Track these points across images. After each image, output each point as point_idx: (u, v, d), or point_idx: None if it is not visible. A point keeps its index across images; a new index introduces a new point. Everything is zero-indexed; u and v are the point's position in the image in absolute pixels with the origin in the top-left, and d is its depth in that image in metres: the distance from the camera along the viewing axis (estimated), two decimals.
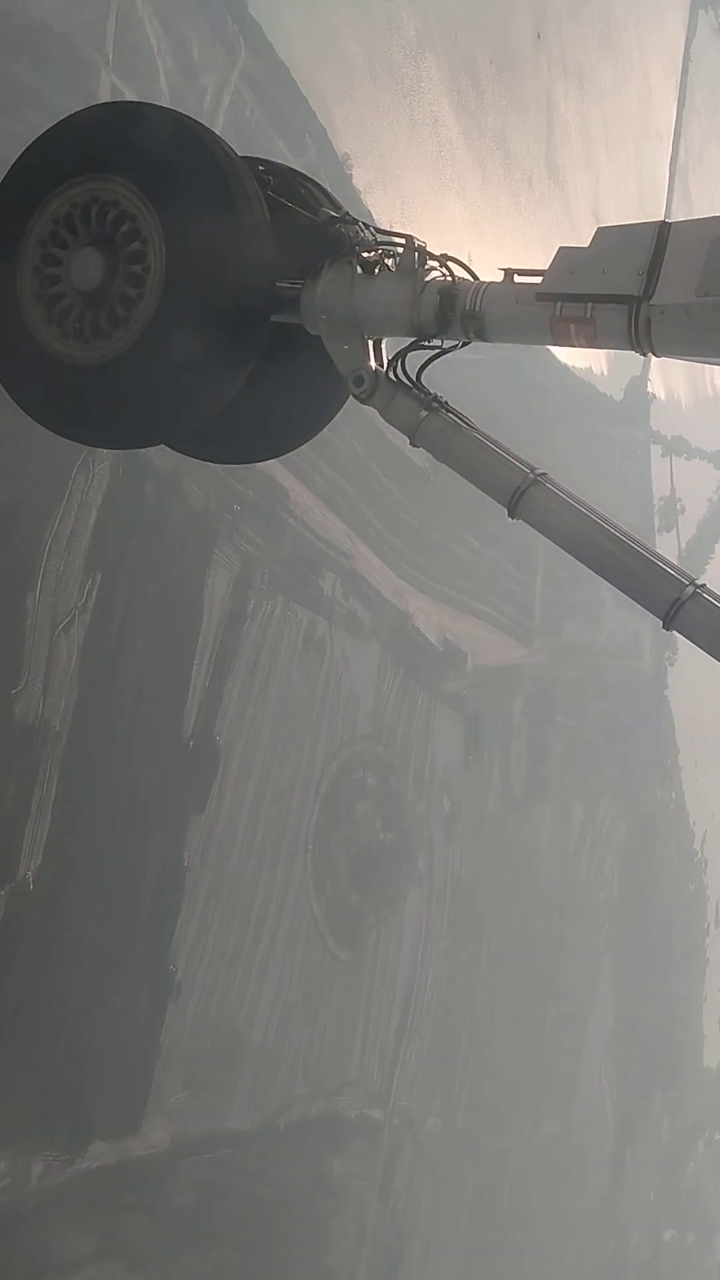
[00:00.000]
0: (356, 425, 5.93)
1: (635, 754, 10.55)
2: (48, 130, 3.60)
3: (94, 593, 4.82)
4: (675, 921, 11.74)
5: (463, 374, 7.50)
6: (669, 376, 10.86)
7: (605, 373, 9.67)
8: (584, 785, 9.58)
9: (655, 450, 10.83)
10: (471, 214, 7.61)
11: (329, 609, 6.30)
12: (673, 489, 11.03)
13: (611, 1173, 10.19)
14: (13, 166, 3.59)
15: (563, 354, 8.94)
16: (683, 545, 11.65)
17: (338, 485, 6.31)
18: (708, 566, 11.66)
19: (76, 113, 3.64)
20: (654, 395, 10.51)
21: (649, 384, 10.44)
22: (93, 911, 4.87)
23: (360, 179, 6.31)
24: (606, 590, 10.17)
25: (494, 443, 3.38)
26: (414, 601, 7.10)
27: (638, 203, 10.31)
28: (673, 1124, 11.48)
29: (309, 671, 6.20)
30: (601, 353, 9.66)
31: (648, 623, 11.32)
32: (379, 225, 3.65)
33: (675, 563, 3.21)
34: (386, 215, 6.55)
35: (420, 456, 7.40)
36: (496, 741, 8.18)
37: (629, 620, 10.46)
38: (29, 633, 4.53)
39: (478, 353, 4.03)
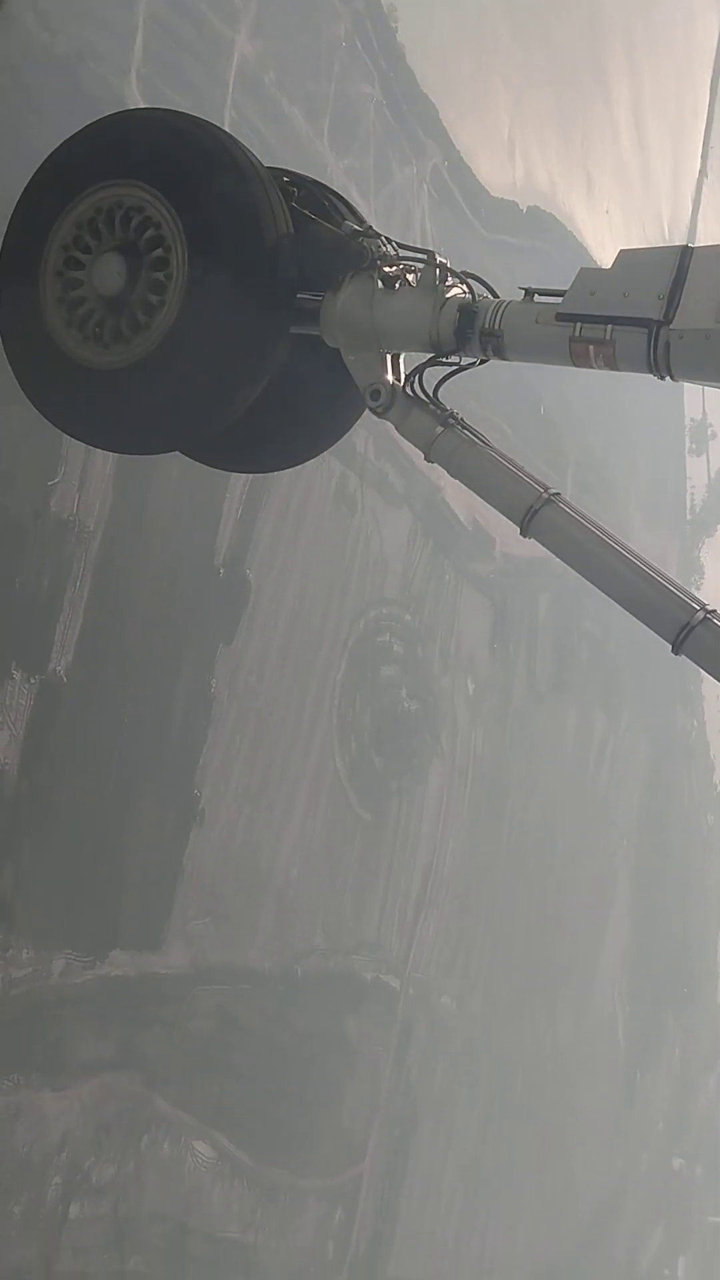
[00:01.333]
0: None
1: (659, 676, 10.51)
2: (74, 135, 3.66)
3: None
4: (693, 853, 11.72)
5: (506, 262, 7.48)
6: None
7: None
8: (608, 696, 9.57)
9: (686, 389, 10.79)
10: (513, 96, 7.60)
11: (360, 465, 6.30)
12: (704, 412, 10.99)
13: (622, 1092, 10.19)
14: (38, 170, 3.65)
15: (601, 257, 8.92)
16: (712, 473, 11.61)
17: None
18: None
19: (103, 118, 3.69)
20: None
21: None
22: (121, 720, 4.90)
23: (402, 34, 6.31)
24: (635, 506, 10.18)
25: (508, 461, 3.41)
26: (444, 475, 7.09)
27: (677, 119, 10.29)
28: (684, 1053, 11.47)
29: (340, 525, 6.20)
30: None
31: (674, 544, 11.30)
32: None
33: (684, 586, 3.25)
34: (425, 78, 6.54)
35: None
36: (522, 635, 8.17)
37: (657, 539, 10.44)
38: None
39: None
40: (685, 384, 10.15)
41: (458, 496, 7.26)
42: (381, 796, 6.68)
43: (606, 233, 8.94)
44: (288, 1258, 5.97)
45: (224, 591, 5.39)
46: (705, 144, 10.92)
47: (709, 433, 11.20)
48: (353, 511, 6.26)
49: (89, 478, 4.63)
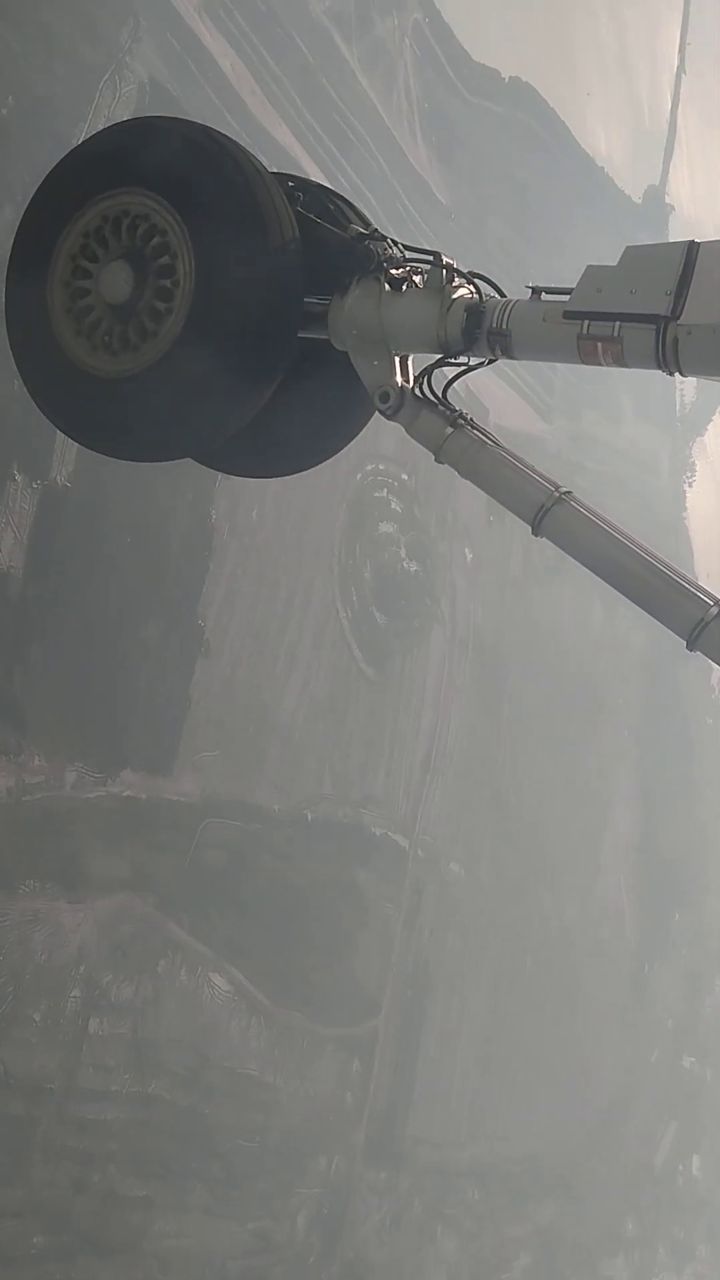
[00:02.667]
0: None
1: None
2: (80, 144, 3.69)
3: None
4: (693, 755, 11.75)
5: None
6: (690, 194, 10.81)
7: (623, 170, 9.62)
8: (604, 585, 9.56)
9: None
10: None
11: None
12: None
13: (631, 983, 10.23)
14: (45, 179, 3.65)
15: (582, 138, 8.91)
16: (698, 382, 11.61)
17: (359, 192, 6.29)
18: None
19: (107, 127, 3.75)
20: (672, 207, 10.46)
21: (667, 195, 10.39)
22: (123, 538, 4.89)
23: None
24: (626, 394, 10.15)
25: (518, 460, 3.38)
26: None
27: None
28: (692, 953, 11.50)
29: None
30: (619, 147, 9.63)
31: (666, 440, 11.28)
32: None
33: (700, 584, 3.22)
34: None
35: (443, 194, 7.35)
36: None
37: (648, 432, 10.45)
38: None
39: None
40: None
41: None
42: (384, 655, 6.69)
43: (587, 114, 8.92)
44: (307, 1102, 5.99)
45: None
46: (682, 40, 10.90)
47: None
48: None
49: None
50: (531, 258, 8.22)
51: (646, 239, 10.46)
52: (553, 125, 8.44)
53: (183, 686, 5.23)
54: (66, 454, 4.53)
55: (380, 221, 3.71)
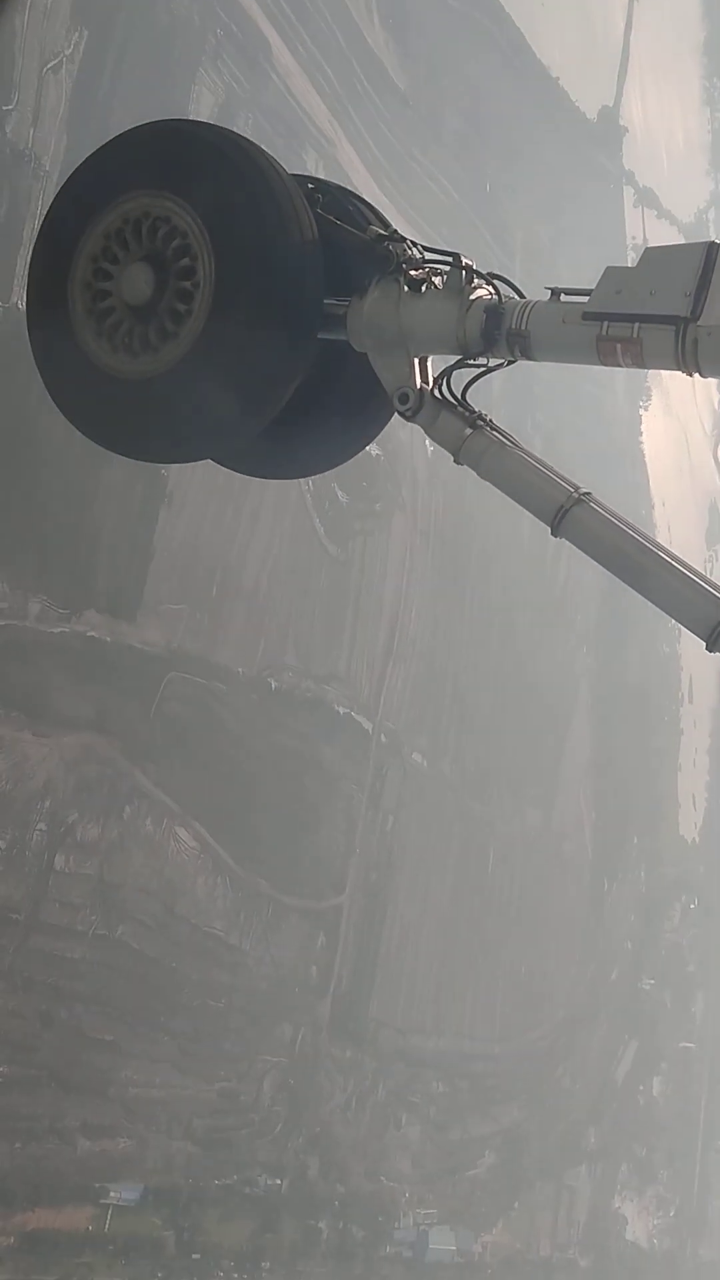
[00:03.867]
0: None
1: (612, 487, 10.54)
2: (100, 147, 3.67)
3: (81, 46, 4.79)
4: (651, 680, 11.83)
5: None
6: (643, 120, 10.87)
7: (578, 86, 9.65)
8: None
9: (628, 193, 10.85)
10: None
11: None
12: (645, 236, 11.04)
13: (591, 897, 10.30)
14: (65, 183, 3.68)
15: (537, 47, 8.94)
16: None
17: (316, 63, 6.29)
18: None
19: (127, 130, 3.69)
20: (626, 129, 10.52)
21: (621, 117, 10.45)
22: None
23: None
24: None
25: (538, 461, 3.40)
26: (396, 222, 7.09)
27: None
28: (650, 876, 11.60)
29: None
30: (573, 62, 9.66)
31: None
32: None
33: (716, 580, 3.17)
34: None
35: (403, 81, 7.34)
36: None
37: None
38: (19, 54, 4.50)
39: None
40: (625, 206, 10.04)
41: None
42: (346, 534, 6.69)
43: (540, 24, 8.94)
44: (272, 968, 5.99)
45: None
46: None
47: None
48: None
49: (43, 114, 4.58)
50: (488, 159, 8.24)
51: (603, 159, 10.54)
52: (508, 30, 8.46)
53: (146, 534, 5.20)
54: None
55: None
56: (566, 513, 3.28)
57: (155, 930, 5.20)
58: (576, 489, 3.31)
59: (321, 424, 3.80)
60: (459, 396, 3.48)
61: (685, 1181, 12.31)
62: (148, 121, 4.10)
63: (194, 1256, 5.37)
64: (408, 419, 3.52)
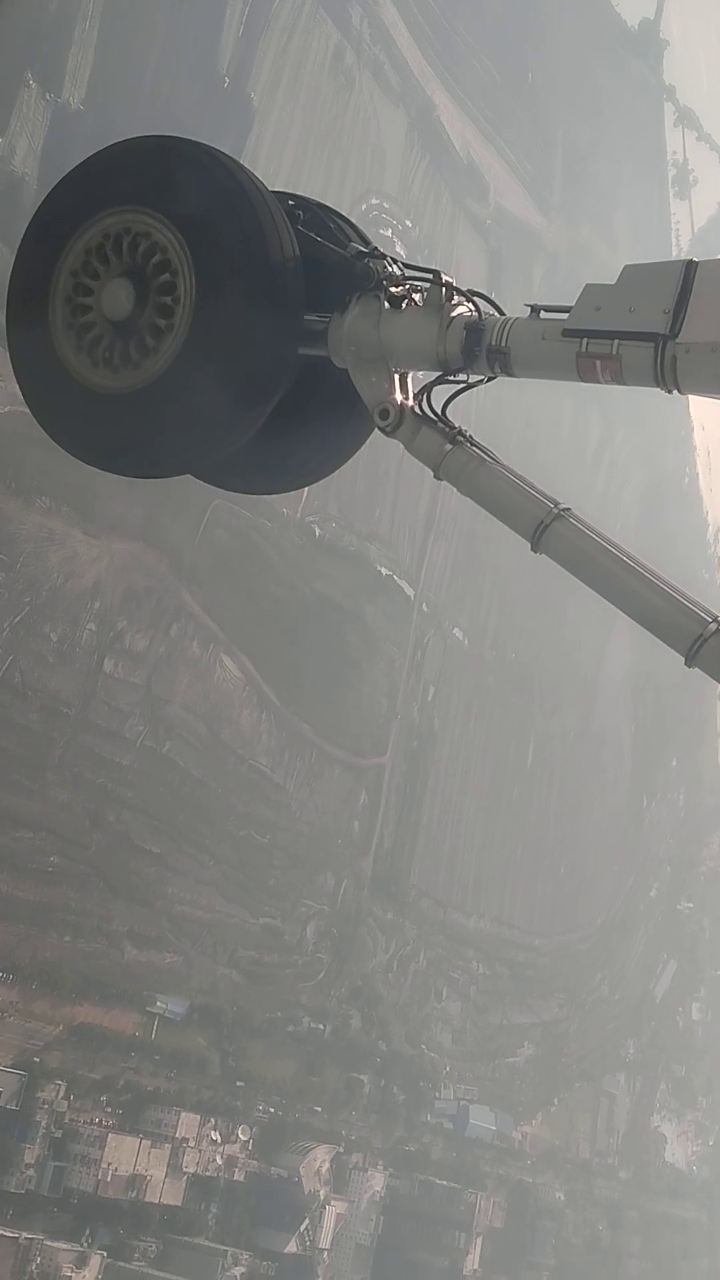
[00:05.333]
0: None
1: (651, 421, 10.63)
2: (81, 162, 3.73)
3: None
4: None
5: None
6: (683, 37, 10.85)
7: None
8: (603, 404, 9.63)
9: (668, 110, 10.86)
10: None
11: (358, 41, 6.32)
12: (685, 157, 11.04)
13: (630, 810, 10.32)
14: (46, 198, 3.70)
15: None
16: (696, 227, 11.65)
17: None
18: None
19: (108, 146, 3.75)
20: (667, 42, 10.50)
21: (661, 30, 10.43)
22: None
23: None
24: (623, 221, 10.38)
25: (517, 477, 3.44)
26: (438, 95, 7.13)
27: None
28: (688, 801, 11.55)
29: (338, 93, 6.22)
30: None
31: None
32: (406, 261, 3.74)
33: (696, 598, 3.28)
34: None
35: None
36: (518, 297, 8.21)
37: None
38: None
39: None
40: (666, 123, 10.46)
41: (452, 124, 7.29)
42: None
43: None
44: (316, 815, 6.14)
45: (228, 105, 5.40)
46: None
47: (691, 179, 11.22)
48: (350, 88, 6.29)
49: None
50: (528, 51, 8.24)
51: (644, 70, 10.62)
52: None
53: None
54: (79, 77, 4.55)
55: None
56: (546, 528, 3.32)
57: (202, 752, 5.40)
58: (556, 504, 3.34)
59: (301, 439, 3.86)
60: (439, 412, 3.58)
61: None
62: (130, 137, 4.09)
63: (238, 1084, 5.43)
64: (388, 434, 3.59)
